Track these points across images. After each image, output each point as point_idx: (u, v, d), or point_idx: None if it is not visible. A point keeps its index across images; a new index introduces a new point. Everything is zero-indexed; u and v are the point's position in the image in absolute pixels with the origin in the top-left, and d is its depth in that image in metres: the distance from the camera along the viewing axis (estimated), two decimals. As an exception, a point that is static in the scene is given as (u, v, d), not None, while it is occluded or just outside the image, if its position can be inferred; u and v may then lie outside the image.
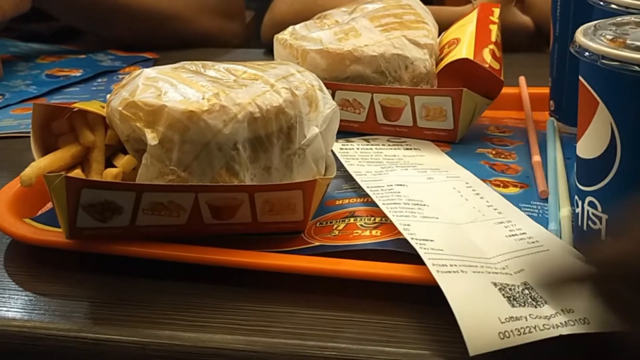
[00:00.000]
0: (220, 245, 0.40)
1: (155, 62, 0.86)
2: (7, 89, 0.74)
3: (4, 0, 0.79)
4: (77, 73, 0.79)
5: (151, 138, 0.38)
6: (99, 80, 0.78)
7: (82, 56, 0.86)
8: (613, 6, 0.44)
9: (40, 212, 0.45)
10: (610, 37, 0.34)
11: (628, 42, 0.34)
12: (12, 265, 0.42)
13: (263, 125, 0.40)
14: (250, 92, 0.41)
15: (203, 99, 0.39)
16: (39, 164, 0.38)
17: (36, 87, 0.74)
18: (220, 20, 0.96)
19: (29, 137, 0.61)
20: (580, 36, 0.36)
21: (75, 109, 0.42)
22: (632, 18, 0.38)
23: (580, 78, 0.36)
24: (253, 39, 1.09)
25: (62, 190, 0.37)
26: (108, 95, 0.72)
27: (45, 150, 0.42)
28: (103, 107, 0.44)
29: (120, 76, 0.80)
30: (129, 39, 0.89)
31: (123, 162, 0.40)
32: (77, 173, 0.39)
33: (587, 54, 0.35)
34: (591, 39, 0.35)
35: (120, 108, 0.39)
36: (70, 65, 0.82)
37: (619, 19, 0.38)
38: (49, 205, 0.46)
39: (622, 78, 0.33)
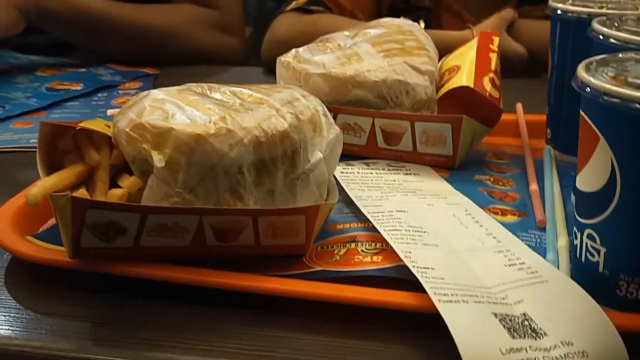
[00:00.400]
0: (221, 267, 0.40)
1: (155, 78, 0.86)
2: (7, 101, 0.74)
3: None
4: (77, 87, 0.79)
5: (158, 160, 0.38)
6: (99, 94, 0.79)
7: (82, 70, 0.87)
8: (612, 41, 0.45)
9: (41, 229, 0.45)
10: (612, 74, 0.35)
11: (630, 79, 0.34)
12: (13, 282, 0.42)
13: (268, 149, 0.41)
14: (256, 116, 0.41)
15: (210, 122, 0.40)
16: (45, 183, 0.39)
17: (37, 100, 0.74)
18: (219, 36, 0.96)
19: (30, 151, 0.61)
20: (582, 72, 0.37)
21: (80, 127, 0.42)
22: (632, 55, 0.39)
23: (582, 113, 0.37)
24: (251, 55, 1.10)
25: (67, 210, 0.37)
26: (109, 111, 0.73)
27: (51, 168, 0.42)
28: (108, 126, 0.44)
29: (120, 91, 0.80)
30: (128, 55, 0.90)
31: (128, 183, 0.40)
32: (82, 193, 0.39)
33: (588, 89, 0.36)
34: (593, 74, 0.36)
35: (127, 129, 0.40)
36: (70, 78, 0.83)
37: (619, 55, 0.39)
38: (50, 222, 0.47)
39: (624, 115, 0.34)
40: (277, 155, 0.41)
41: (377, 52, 0.58)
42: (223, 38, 0.97)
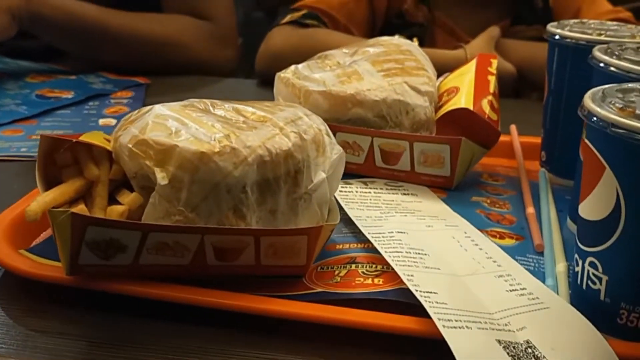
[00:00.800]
0: (221, 286, 0.40)
1: (147, 87, 0.86)
2: (-4, 108, 0.73)
3: None
4: (68, 95, 0.78)
5: (161, 177, 0.38)
6: (90, 103, 0.78)
7: (73, 77, 0.86)
8: (612, 69, 0.45)
9: (34, 243, 0.44)
10: (619, 106, 0.35)
11: (637, 112, 0.35)
12: (4, 298, 0.41)
13: (272, 168, 0.40)
14: (260, 135, 0.41)
15: (214, 140, 0.39)
16: (45, 199, 0.38)
17: (27, 108, 0.73)
18: (213, 47, 0.96)
19: (21, 160, 0.60)
20: (589, 102, 0.37)
21: (79, 141, 0.42)
22: (637, 85, 0.39)
23: (587, 142, 0.37)
24: (242, 65, 1.09)
25: (66, 226, 0.36)
26: (101, 121, 0.72)
27: (48, 181, 0.41)
28: (107, 140, 0.43)
29: (112, 100, 0.79)
30: (121, 63, 0.89)
31: (129, 199, 0.39)
32: (81, 209, 0.39)
33: (595, 119, 0.36)
34: (599, 105, 0.36)
35: (130, 145, 0.39)
36: (60, 86, 0.82)
37: (624, 85, 0.39)
38: (43, 235, 0.46)
39: (631, 146, 0.34)
40: (281, 175, 0.41)
41: (377, 72, 0.58)
42: (217, 49, 0.96)
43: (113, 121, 0.71)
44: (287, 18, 0.97)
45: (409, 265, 0.41)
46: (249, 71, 1.18)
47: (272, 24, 1.00)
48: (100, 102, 0.78)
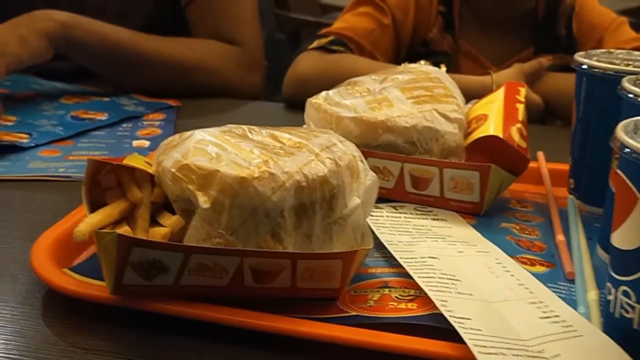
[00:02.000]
0: (256, 307, 0.40)
1: (178, 110, 0.88)
2: (33, 128, 0.75)
3: (23, 48, 0.81)
4: (102, 117, 0.80)
5: (203, 201, 0.39)
6: (124, 125, 0.80)
7: (106, 99, 0.88)
8: (642, 100, 0.46)
9: (76, 262, 0.46)
10: (652, 138, 0.36)
11: (670, 144, 0.35)
12: (47, 315, 0.42)
13: (308, 193, 0.42)
14: (297, 161, 0.42)
15: (253, 165, 0.41)
16: (92, 220, 0.39)
17: (63, 129, 0.75)
18: (242, 72, 0.98)
19: (59, 181, 0.62)
20: (622, 134, 0.38)
21: (122, 164, 0.43)
22: (668, 117, 0.40)
23: (619, 172, 0.38)
24: (266, 88, 1.11)
25: (112, 247, 0.38)
26: (135, 142, 0.74)
27: (92, 203, 0.43)
28: (148, 163, 0.45)
29: (144, 122, 0.81)
30: (152, 87, 0.91)
31: (171, 222, 0.40)
32: (126, 230, 0.40)
33: (627, 150, 0.37)
34: (632, 137, 0.37)
35: (173, 169, 0.41)
36: (95, 107, 0.84)
37: (656, 117, 0.40)
38: (85, 255, 0.47)
39: (664, 178, 0.35)
40: (317, 200, 0.42)
41: (407, 99, 0.59)
42: (245, 74, 0.98)
43: (146, 143, 0.73)
44: (314, 44, 0.99)
45: (441, 291, 0.42)
46: (270, 92, 1.21)
47: (299, 48, 1.03)
48: (133, 124, 0.80)
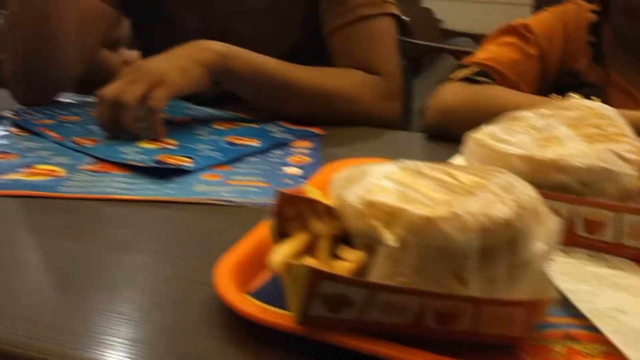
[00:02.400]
0: (434, 349, 0.40)
1: (321, 138, 0.90)
2: (194, 152, 0.79)
3: (183, 78, 0.85)
4: (255, 143, 0.84)
5: (390, 239, 0.39)
6: (274, 152, 0.82)
7: (256, 126, 0.92)
8: None
9: (255, 289, 0.47)
10: None
11: None
12: (231, 337, 0.44)
13: (493, 236, 0.41)
14: (481, 201, 0.42)
15: (438, 205, 0.40)
16: (283, 251, 0.41)
17: (221, 154, 0.79)
18: (383, 101, 0.99)
19: (220, 205, 0.65)
20: None
21: (307, 198, 0.45)
22: None
23: None
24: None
25: (302, 279, 0.39)
26: (285, 169, 0.76)
27: (277, 233, 0.44)
28: (323, 196, 0.46)
29: (292, 149, 0.84)
30: (297, 115, 0.93)
31: (356, 257, 0.41)
32: (314, 262, 0.41)
33: None
34: None
35: (357, 205, 0.41)
36: (246, 134, 0.87)
37: None
38: (261, 281, 0.49)
39: None
40: (501, 243, 0.41)
41: (577, 136, 0.57)
42: (386, 103, 0.99)
43: (299, 171, 0.75)
44: (456, 74, 0.98)
45: (636, 350, 0.39)
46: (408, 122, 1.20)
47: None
48: (283, 151, 0.83)
